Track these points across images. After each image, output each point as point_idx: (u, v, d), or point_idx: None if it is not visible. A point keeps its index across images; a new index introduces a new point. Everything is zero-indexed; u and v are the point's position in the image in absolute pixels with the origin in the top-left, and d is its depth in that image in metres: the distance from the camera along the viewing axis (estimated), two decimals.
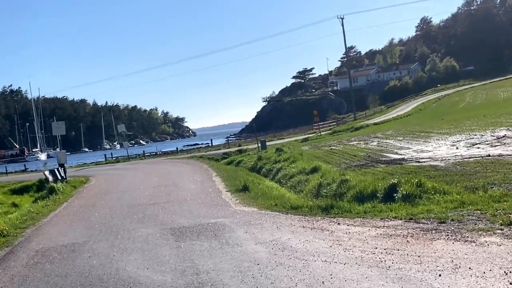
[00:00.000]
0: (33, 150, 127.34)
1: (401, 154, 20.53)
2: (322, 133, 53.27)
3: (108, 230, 11.76)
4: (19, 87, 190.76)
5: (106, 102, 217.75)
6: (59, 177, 24.91)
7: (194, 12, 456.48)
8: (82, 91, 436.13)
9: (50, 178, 24.20)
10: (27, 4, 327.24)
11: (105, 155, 60.17)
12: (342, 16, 74.39)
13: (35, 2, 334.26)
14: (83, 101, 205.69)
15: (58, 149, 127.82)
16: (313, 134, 53.91)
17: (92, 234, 11.49)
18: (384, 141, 27.56)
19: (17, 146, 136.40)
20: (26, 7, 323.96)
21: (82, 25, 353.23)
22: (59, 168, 26.25)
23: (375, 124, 52.72)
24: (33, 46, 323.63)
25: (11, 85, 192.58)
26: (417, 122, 41.80)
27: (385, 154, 21.45)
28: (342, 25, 74.81)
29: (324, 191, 15.46)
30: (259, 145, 35.76)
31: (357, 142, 29.92)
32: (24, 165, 63.30)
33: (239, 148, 41.66)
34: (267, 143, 37.75)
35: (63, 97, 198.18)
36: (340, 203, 11.65)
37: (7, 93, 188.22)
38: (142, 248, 9.43)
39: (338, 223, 9.85)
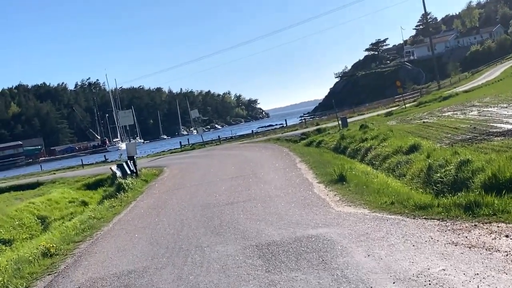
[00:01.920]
0: (114, 140, 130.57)
1: None
2: (406, 105, 48.77)
3: (176, 247, 9.05)
4: (97, 80, 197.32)
5: (181, 89, 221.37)
6: (128, 172, 22.46)
7: None
8: (156, 80, 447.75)
9: (118, 173, 21.61)
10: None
11: (180, 142, 58.84)
12: None
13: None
14: (159, 90, 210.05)
15: (138, 138, 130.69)
16: (396, 107, 49.74)
17: (156, 254, 8.86)
18: (485, 109, 24.35)
19: (98, 137, 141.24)
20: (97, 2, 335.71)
21: (152, 14, 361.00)
22: (128, 162, 23.80)
23: (465, 92, 47.70)
24: (108, 38, 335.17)
25: (89, 78, 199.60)
26: None
27: (493, 124, 18.50)
28: None
29: (438, 175, 12.39)
30: (340, 122, 33.09)
31: (452, 112, 26.73)
32: (104, 155, 63.39)
33: (318, 127, 38.83)
34: (347, 120, 34.60)
35: (140, 86, 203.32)
36: (488, 199, 8.30)
37: (86, 86, 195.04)
38: (218, 284, 6.56)
39: (506, 235, 6.50)
